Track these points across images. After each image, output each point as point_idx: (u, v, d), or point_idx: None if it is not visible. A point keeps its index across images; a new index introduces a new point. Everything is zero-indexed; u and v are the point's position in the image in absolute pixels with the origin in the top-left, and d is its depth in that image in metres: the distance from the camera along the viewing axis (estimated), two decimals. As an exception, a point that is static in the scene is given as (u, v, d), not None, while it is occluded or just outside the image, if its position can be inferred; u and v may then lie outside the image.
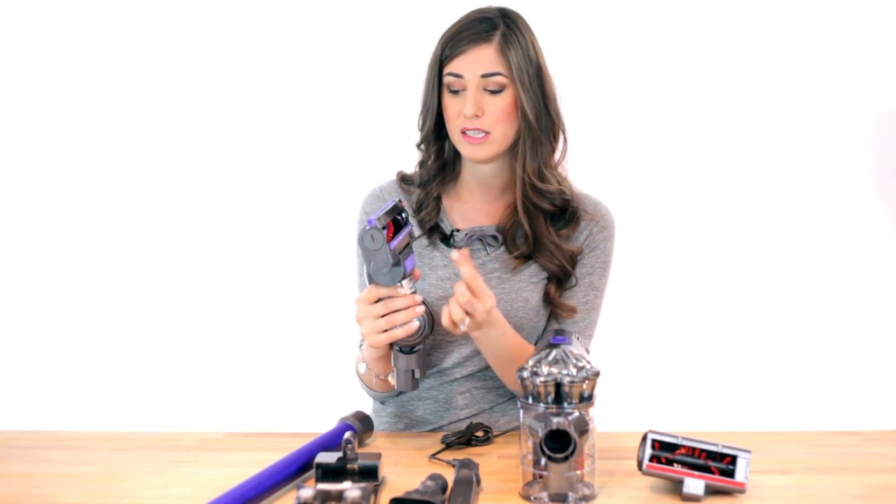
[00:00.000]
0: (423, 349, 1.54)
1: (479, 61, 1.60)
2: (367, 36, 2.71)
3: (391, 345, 1.54)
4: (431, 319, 1.53)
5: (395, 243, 1.44)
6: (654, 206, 2.72)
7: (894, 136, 2.70)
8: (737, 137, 2.72)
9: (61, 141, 2.77)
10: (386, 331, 1.47)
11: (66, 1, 2.72)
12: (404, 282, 1.46)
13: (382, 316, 1.46)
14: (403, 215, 1.52)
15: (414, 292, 1.48)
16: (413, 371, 1.54)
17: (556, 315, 1.70)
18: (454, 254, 1.46)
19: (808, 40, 2.67)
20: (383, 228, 1.41)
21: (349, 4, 2.71)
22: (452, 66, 1.61)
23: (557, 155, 1.69)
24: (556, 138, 1.68)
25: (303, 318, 2.75)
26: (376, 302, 1.47)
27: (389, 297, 1.46)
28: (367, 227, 1.40)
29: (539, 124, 1.63)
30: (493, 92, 1.61)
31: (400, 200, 1.54)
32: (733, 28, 2.68)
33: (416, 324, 1.47)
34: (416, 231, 1.71)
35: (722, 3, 2.67)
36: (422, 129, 1.70)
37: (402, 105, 2.72)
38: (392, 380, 1.59)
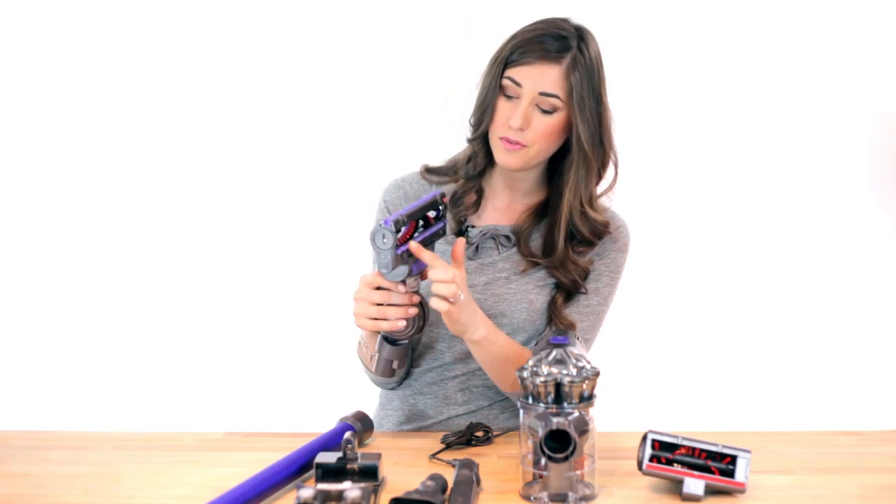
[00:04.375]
0: (407, 345, 1.56)
1: (542, 78, 1.59)
2: (373, 34, 2.71)
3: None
4: (423, 320, 1.54)
5: (404, 247, 1.44)
6: (654, 206, 2.71)
7: (894, 137, 2.70)
8: (733, 139, 2.72)
9: (61, 141, 2.77)
10: (375, 319, 1.48)
11: (66, 1, 2.72)
12: (409, 279, 1.48)
13: (377, 304, 1.48)
14: (440, 209, 1.53)
15: (416, 292, 1.49)
16: (392, 361, 1.56)
17: (554, 325, 1.70)
18: (412, 244, 1.47)
19: (808, 42, 2.67)
20: (398, 231, 1.42)
21: (354, 6, 2.71)
22: (514, 73, 1.60)
23: (605, 185, 1.69)
24: (605, 167, 1.68)
25: (303, 318, 2.75)
26: (377, 288, 1.48)
27: (389, 290, 1.48)
28: (382, 225, 1.42)
29: (594, 153, 1.63)
30: (545, 111, 1.60)
31: (443, 195, 1.54)
32: (733, 33, 2.68)
33: (401, 324, 1.48)
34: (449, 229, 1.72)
35: (722, 9, 2.67)
36: (476, 127, 1.67)
37: (402, 105, 2.73)
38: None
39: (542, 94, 1.59)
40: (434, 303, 1.49)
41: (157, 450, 1.56)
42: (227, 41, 2.73)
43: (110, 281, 2.79)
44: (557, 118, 1.61)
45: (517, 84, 1.60)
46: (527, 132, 1.60)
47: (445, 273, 1.48)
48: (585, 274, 1.69)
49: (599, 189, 1.70)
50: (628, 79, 2.68)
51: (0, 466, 1.50)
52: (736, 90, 2.70)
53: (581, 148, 1.62)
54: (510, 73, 1.60)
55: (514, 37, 1.63)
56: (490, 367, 1.63)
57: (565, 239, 1.68)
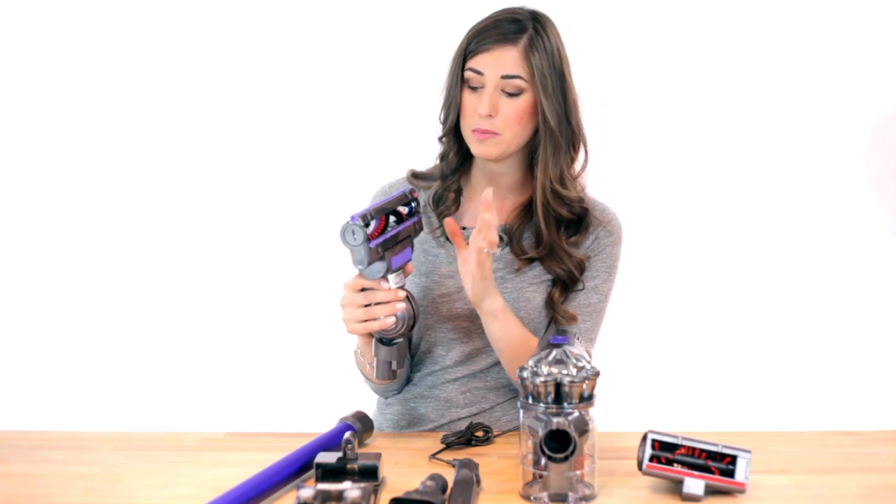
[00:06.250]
0: (402, 343, 1.55)
1: (501, 62, 1.60)
2: (372, 35, 2.71)
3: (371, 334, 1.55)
4: (414, 315, 1.54)
5: (377, 241, 1.44)
6: (654, 205, 2.72)
7: (894, 137, 2.70)
8: (733, 138, 2.72)
9: (61, 141, 2.77)
10: (364, 321, 1.48)
11: (66, 1, 2.72)
12: (391, 276, 1.48)
13: (364, 306, 1.48)
14: (412, 205, 1.53)
15: (401, 287, 1.49)
16: (391, 362, 1.55)
17: (557, 321, 1.70)
18: (487, 193, 1.47)
19: (808, 39, 2.67)
20: (367, 225, 1.42)
21: (354, 7, 2.71)
22: (474, 63, 1.61)
23: (578, 166, 1.69)
24: (576, 148, 1.68)
25: (303, 318, 2.75)
26: (361, 290, 1.48)
27: (372, 289, 1.48)
28: (349, 222, 1.42)
29: (560, 131, 1.63)
30: (511, 94, 1.61)
31: (412, 190, 1.55)
32: (732, 26, 2.68)
33: (391, 320, 1.48)
34: (427, 225, 1.72)
35: (722, 6, 2.67)
36: (444, 123, 1.69)
37: (404, 105, 2.73)
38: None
39: (505, 77, 1.60)
40: (476, 241, 1.47)
41: (157, 450, 1.56)
42: (225, 42, 2.73)
43: (110, 281, 2.79)
44: (525, 100, 1.61)
45: (479, 73, 1.61)
46: (496, 119, 1.61)
47: (478, 232, 1.47)
48: (580, 266, 1.69)
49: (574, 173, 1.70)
50: (630, 76, 2.69)
51: (0, 466, 1.50)
52: (736, 89, 2.70)
53: (548, 126, 1.62)
54: (471, 63, 1.61)
55: (469, 31, 1.65)
56: (504, 344, 1.61)
57: (547, 222, 1.67)
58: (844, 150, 2.71)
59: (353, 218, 1.42)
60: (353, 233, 1.42)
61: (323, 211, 2.72)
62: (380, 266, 1.46)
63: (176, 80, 2.74)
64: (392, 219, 1.49)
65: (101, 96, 2.75)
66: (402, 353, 1.57)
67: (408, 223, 1.52)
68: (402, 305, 1.49)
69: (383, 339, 1.54)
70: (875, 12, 2.66)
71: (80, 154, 2.77)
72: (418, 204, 1.55)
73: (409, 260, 1.53)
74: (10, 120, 2.77)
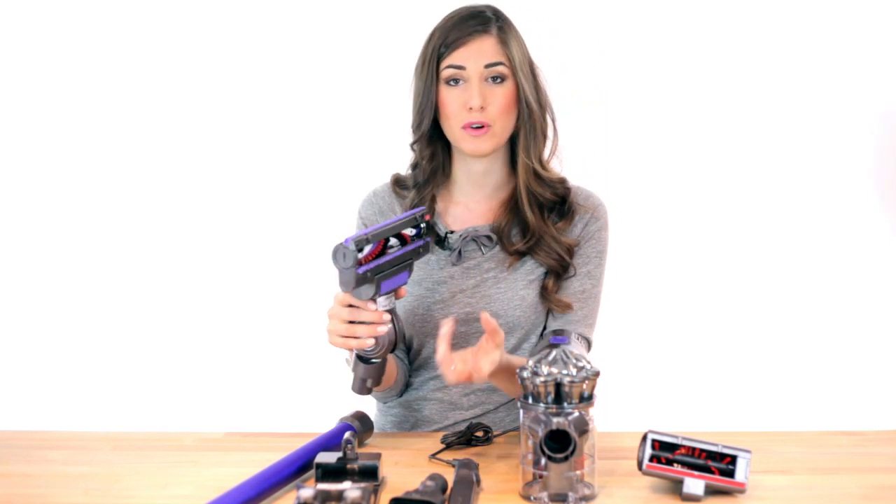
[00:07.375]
0: (381, 364, 1.53)
1: (482, 51, 1.61)
2: (363, 38, 2.71)
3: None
4: (395, 338, 1.52)
5: (368, 266, 1.41)
6: (654, 206, 2.71)
7: (894, 136, 2.70)
8: (736, 139, 2.71)
9: (61, 141, 2.77)
10: (345, 337, 1.47)
11: (66, 1, 2.72)
12: (380, 297, 1.46)
13: (349, 322, 1.46)
14: (421, 228, 1.52)
15: (390, 310, 1.48)
16: (366, 380, 1.53)
17: (552, 311, 1.70)
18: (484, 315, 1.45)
19: (808, 39, 2.67)
20: (360, 250, 1.40)
21: (348, 8, 2.71)
22: (453, 59, 1.61)
23: (547, 152, 1.71)
24: (546, 128, 1.70)
25: (303, 318, 2.74)
26: (348, 306, 1.46)
27: (359, 307, 1.46)
28: (342, 244, 1.39)
29: (539, 113, 1.66)
30: (496, 81, 1.62)
31: (424, 213, 1.54)
32: (732, 25, 2.68)
33: (370, 342, 1.46)
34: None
35: (726, 4, 2.67)
36: (418, 128, 1.68)
37: (400, 106, 2.73)
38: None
39: (488, 65, 1.61)
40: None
41: (157, 450, 1.56)
42: (225, 45, 2.73)
43: (110, 281, 2.79)
44: (509, 87, 1.63)
45: (460, 67, 1.61)
46: (488, 109, 1.61)
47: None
48: (569, 251, 1.68)
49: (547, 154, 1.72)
50: (629, 75, 2.69)
51: (0, 466, 1.50)
52: (740, 89, 2.69)
53: (529, 109, 1.64)
54: (448, 60, 1.62)
55: (433, 33, 1.66)
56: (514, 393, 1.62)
57: (532, 207, 1.67)
58: (844, 147, 2.71)
59: (346, 241, 1.38)
60: (344, 256, 1.39)
61: (323, 212, 2.73)
62: (367, 289, 1.43)
63: (168, 86, 2.74)
64: (394, 241, 1.47)
65: (97, 99, 2.74)
66: (379, 373, 1.54)
67: (410, 247, 1.50)
68: (384, 329, 1.46)
69: (362, 357, 1.53)
70: (875, 11, 2.66)
71: (79, 156, 2.77)
72: (428, 227, 1.54)
73: (404, 283, 1.51)
74: (11, 121, 2.77)
